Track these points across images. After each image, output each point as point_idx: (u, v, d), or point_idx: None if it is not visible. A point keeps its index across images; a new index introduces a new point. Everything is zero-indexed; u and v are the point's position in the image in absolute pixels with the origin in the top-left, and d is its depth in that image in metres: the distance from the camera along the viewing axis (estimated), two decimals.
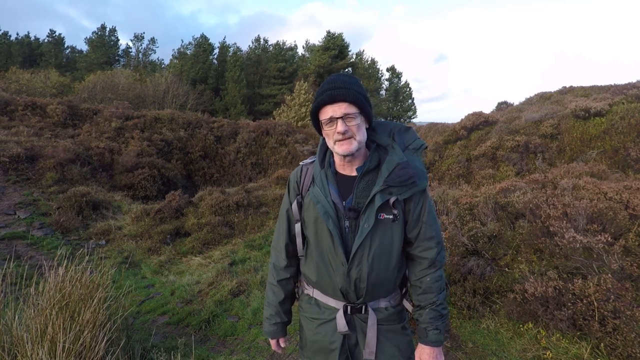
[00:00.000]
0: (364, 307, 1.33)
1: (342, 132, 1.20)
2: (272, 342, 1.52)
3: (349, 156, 1.26)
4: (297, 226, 1.40)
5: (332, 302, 1.36)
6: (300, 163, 1.46)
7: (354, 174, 1.31)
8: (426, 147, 1.36)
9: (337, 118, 1.21)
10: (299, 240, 1.41)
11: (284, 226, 1.45)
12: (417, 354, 1.36)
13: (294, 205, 1.39)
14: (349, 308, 1.33)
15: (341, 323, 1.32)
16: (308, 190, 1.36)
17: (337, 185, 1.31)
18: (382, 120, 1.41)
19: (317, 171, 1.35)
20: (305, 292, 1.46)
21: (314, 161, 1.41)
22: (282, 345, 1.54)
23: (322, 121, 1.25)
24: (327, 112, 1.22)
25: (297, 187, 1.41)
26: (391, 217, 1.26)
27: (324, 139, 1.36)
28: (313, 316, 1.40)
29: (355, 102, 1.22)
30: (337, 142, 1.23)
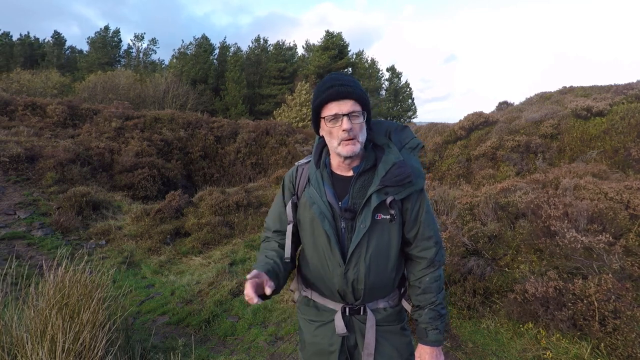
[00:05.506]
0: (362, 308, 1.32)
1: (347, 130, 1.17)
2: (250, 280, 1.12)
3: (348, 158, 1.23)
4: (289, 228, 1.36)
5: (330, 304, 1.35)
6: (296, 163, 1.43)
7: (350, 174, 1.29)
8: (423, 146, 1.34)
9: (343, 115, 1.17)
10: (288, 243, 1.36)
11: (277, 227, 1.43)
12: (417, 354, 1.35)
13: (289, 207, 1.36)
14: (347, 309, 1.32)
15: (339, 325, 1.31)
16: (304, 190, 1.34)
17: (333, 185, 1.30)
18: (379, 119, 1.39)
19: (312, 171, 1.33)
20: (304, 293, 1.44)
21: (309, 161, 1.39)
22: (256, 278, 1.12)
23: (326, 118, 1.21)
24: (332, 108, 1.19)
25: (293, 188, 1.39)
26: (388, 217, 1.24)
27: (320, 138, 1.35)
28: (312, 318, 1.39)
29: (359, 100, 1.20)
30: (342, 142, 1.19)
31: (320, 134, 1.31)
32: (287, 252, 1.36)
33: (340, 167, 1.31)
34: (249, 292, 1.07)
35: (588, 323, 2.60)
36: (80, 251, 3.06)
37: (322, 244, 1.28)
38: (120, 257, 5.54)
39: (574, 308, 2.68)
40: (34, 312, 2.21)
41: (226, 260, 5.28)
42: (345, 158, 1.24)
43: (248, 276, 1.11)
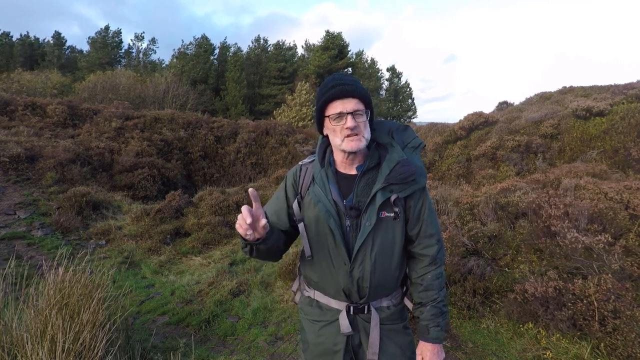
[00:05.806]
0: (366, 306, 1.32)
1: (351, 128, 1.19)
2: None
3: (352, 154, 1.25)
4: (301, 226, 1.36)
5: (334, 303, 1.35)
6: (299, 162, 1.44)
7: (354, 172, 1.30)
8: (425, 146, 1.37)
9: (347, 113, 1.20)
10: (305, 241, 1.36)
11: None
12: (418, 351, 1.36)
13: (295, 206, 1.36)
14: (351, 308, 1.32)
15: (344, 324, 1.31)
16: (308, 189, 1.35)
17: (337, 184, 1.30)
18: (380, 119, 1.41)
19: (317, 170, 1.34)
20: (306, 294, 1.44)
21: (312, 161, 1.40)
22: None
23: (330, 116, 1.23)
24: (337, 107, 1.22)
25: (296, 187, 1.39)
26: (392, 215, 1.26)
27: (323, 137, 1.36)
28: (315, 318, 1.39)
29: (363, 99, 1.23)
30: (345, 139, 1.22)
31: (324, 133, 1.32)
32: (307, 250, 1.34)
33: (344, 165, 1.32)
34: (245, 213, 1.05)
35: (588, 323, 2.60)
36: (80, 251, 3.06)
37: (327, 243, 1.29)
38: (120, 257, 5.54)
39: (573, 308, 2.68)
40: (34, 312, 2.21)
41: (226, 260, 5.28)
42: (349, 154, 1.25)
43: (250, 191, 1.08)
